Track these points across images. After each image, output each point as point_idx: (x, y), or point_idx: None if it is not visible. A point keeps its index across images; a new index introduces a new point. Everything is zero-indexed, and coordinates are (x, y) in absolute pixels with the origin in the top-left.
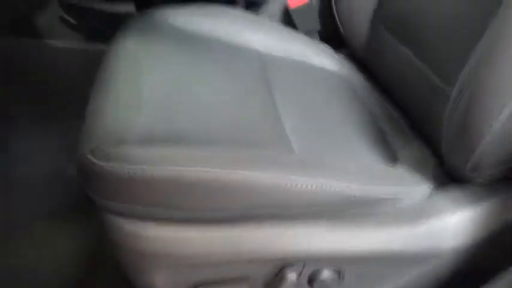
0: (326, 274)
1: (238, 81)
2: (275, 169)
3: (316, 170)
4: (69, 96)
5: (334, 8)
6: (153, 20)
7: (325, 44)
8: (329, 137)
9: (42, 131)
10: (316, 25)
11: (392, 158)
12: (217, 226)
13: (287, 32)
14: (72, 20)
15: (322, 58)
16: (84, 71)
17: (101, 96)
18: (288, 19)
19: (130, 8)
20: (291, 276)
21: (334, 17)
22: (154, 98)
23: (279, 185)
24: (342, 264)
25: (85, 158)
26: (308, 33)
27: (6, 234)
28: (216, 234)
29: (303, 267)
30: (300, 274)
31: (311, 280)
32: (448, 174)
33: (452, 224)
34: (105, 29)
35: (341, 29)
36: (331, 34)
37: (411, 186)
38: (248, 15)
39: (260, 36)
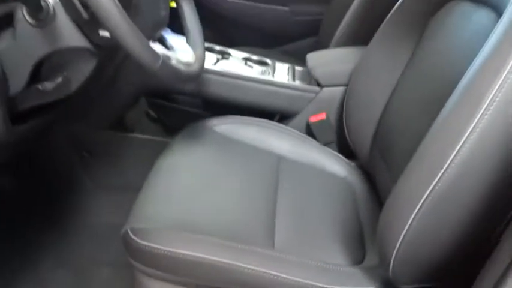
0: None
1: (254, 182)
2: (253, 262)
3: (279, 264)
4: (142, 175)
5: (345, 125)
6: (203, 127)
7: (339, 154)
8: (310, 237)
9: (117, 196)
10: (332, 137)
11: (360, 258)
12: None
13: (307, 141)
14: (154, 115)
15: (334, 165)
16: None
17: (148, 186)
18: (310, 131)
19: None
20: None
21: (345, 133)
22: (182, 192)
23: (254, 274)
24: None
25: (126, 233)
26: (326, 143)
27: (75, 278)
28: None
29: None
30: None
31: None
32: None
33: None
34: (179, 124)
35: (350, 144)
36: (345, 146)
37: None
38: (278, 126)
39: (283, 143)
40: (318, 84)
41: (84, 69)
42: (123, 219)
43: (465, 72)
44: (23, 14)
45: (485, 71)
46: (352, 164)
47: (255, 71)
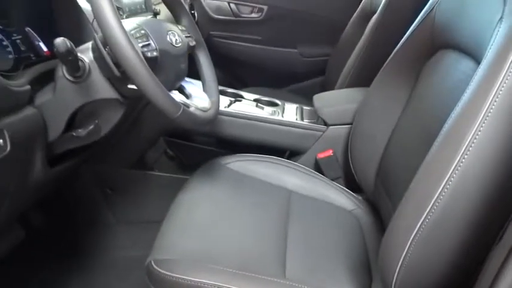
0: None
1: (266, 215)
2: None
3: None
4: (160, 210)
5: (350, 161)
6: (219, 164)
7: (346, 188)
8: (320, 266)
9: (137, 230)
10: (339, 173)
11: (367, 286)
12: None
13: (316, 177)
14: (172, 153)
15: (341, 199)
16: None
17: (169, 220)
18: (318, 167)
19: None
20: None
21: (351, 169)
22: (200, 225)
23: None
24: None
25: (150, 264)
26: (334, 178)
27: None
28: None
29: None
30: None
31: None
32: None
33: None
34: (195, 161)
35: (356, 178)
36: (352, 180)
37: None
38: (288, 163)
39: (293, 179)
40: (325, 123)
41: (113, 117)
42: (144, 252)
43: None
44: (62, 72)
45: (463, 117)
46: (359, 197)
47: (265, 112)
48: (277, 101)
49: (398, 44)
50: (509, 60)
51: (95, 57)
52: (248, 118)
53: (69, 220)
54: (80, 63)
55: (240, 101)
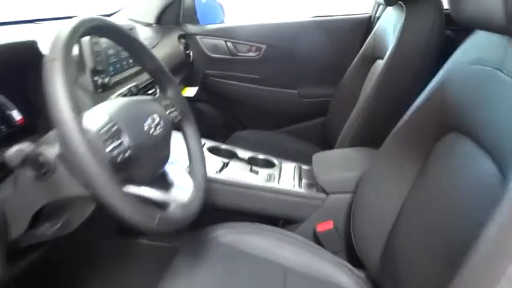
0: None
1: None
2: None
3: None
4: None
5: (352, 236)
6: (207, 237)
7: (348, 264)
8: None
9: None
10: (340, 246)
11: None
12: None
13: (313, 250)
14: None
15: (341, 277)
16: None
17: None
18: (317, 239)
19: None
20: None
21: (353, 242)
22: None
23: None
24: None
25: None
26: (334, 252)
27: None
28: None
29: None
30: None
31: None
32: None
33: None
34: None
35: (358, 253)
36: (354, 254)
37: None
38: (285, 233)
39: (290, 253)
40: (324, 190)
41: (84, 211)
42: None
43: (467, 219)
44: None
45: (500, 245)
46: (362, 275)
47: (260, 177)
48: (274, 161)
49: (402, 101)
50: None
51: (61, 153)
52: (241, 186)
53: None
54: (42, 158)
55: (234, 159)
